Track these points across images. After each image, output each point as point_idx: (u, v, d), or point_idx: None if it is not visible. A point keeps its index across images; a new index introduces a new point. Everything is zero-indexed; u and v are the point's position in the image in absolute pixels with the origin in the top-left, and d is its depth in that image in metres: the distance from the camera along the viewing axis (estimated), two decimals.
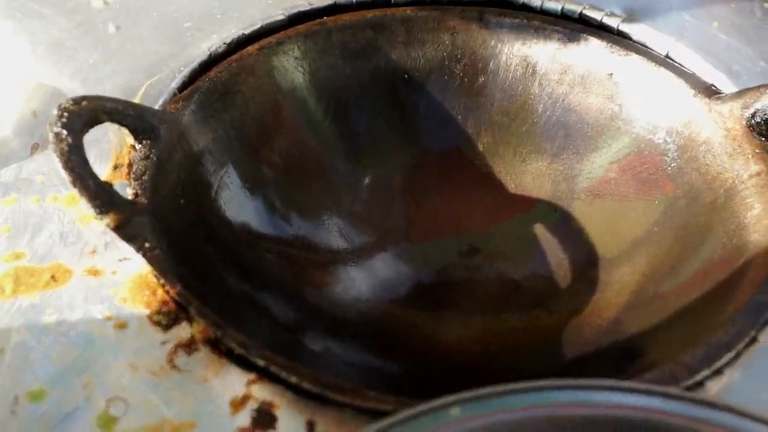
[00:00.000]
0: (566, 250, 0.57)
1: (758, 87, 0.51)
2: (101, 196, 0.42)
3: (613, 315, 0.51)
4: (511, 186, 0.61)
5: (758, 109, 0.51)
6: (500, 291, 0.56)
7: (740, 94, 0.52)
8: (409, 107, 0.61)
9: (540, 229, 0.59)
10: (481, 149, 0.61)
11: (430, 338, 0.52)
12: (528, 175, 0.60)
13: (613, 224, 0.56)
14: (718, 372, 0.40)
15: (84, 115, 0.44)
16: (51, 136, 0.42)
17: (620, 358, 0.47)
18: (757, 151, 0.50)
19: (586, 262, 0.56)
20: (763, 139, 0.51)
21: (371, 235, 0.58)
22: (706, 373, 0.39)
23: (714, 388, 0.39)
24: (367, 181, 0.60)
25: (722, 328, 0.41)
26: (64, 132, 0.42)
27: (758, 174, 0.49)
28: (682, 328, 0.46)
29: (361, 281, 0.55)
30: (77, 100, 0.44)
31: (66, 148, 0.42)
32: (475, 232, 0.59)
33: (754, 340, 0.41)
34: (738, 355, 0.41)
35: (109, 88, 0.53)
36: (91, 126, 0.44)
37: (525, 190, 0.60)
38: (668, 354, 0.43)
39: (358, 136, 0.60)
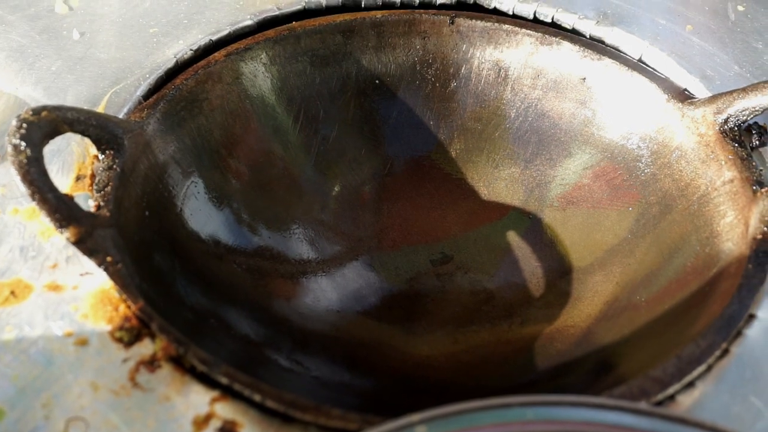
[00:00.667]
0: (539, 258, 0.57)
1: (731, 92, 0.51)
2: (61, 210, 0.41)
3: (585, 326, 0.51)
4: (484, 193, 0.60)
5: (731, 115, 0.50)
6: (472, 301, 0.55)
7: (713, 99, 0.51)
8: (379, 114, 0.60)
9: (513, 237, 0.58)
10: (454, 156, 0.61)
11: (401, 351, 0.51)
12: (501, 182, 0.60)
13: (586, 232, 0.56)
14: (690, 385, 0.39)
15: (44, 126, 0.43)
16: (9, 148, 0.42)
17: (592, 371, 0.46)
18: (730, 157, 0.49)
19: (560, 271, 0.55)
20: (736, 145, 0.50)
21: (342, 245, 0.57)
22: (677, 386, 0.39)
23: (686, 402, 0.39)
24: (337, 189, 0.59)
25: (694, 340, 0.40)
26: (23, 144, 0.41)
27: (731, 181, 0.49)
28: (654, 340, 0.45)
29: (332, 292, 0.54)
30: (37, 111, 0.43)
31: (25, 161, 0.41)
32: (448, 240, 0.58)
33: (726, 352, 0.41)
34: (710, 368, 0.40)
35: (73, 96, 0.52)
36: (52, 137, 0.44)
37: (498, 196, 0.60)
38: (640, 367, 0.42)
39: (328, 144, 0.59)
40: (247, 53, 0.56)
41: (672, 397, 0.39)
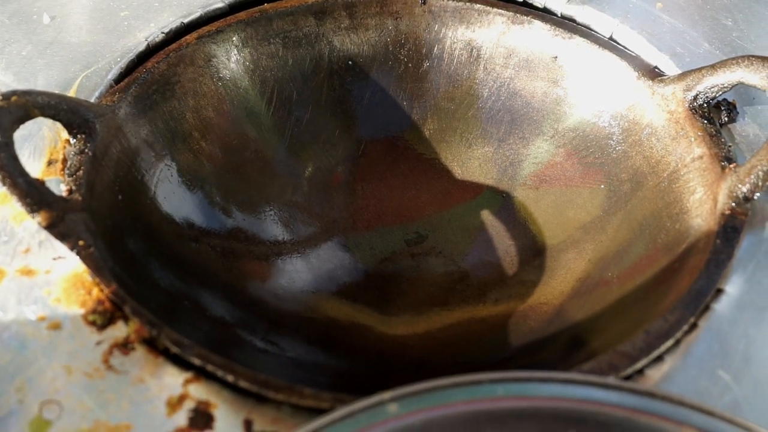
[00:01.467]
0: (513, 236, 0.57)
1: (700, 69, 0.51)
2: (32, 194, 0.41)
3: (558, 303, 0.51)
4: (458, 172, 0.60)
5: (700, 92, 0.51)
6: (446, 281, 0.55)
7: (683, 76, 0.52)
8: (353, 95, 0.60)
9: (487, 216, 0.59)
10: (427, 136, 0.61)
11: (376, 331, 0.52)
12: (474, 161, 0.60)
13: (559, 210, 0.56)
14: (659, 359, 0.40)
15: (14, 111, 0.43)
16: None
17: (565, 347, 0.47)
18: (699, 133, 0.50)
19: (533, 249, 0.56)
20: (705, 121, 0.50)
21: (316, 226, 0.57)
22: (645, 361, 0.39)
23: (655, 376, 0.39)
24: (310, 171, 0.59)
25: (662, 315, 0.41)
26: None
27: (700, 157, 0.49)
28: (625, 315, 0.46)
29: (307, 273, 0.55)
30: (6, 96, 0.43)
31: None
32: (422, 221, 0.59)
33: (694, 326, 0.41)
34: (678, 343, 0.40)
35: (43, 81, 0.52)
36: (22, 122, 0.44)
37: (472, 176, 0.60)
38: (611, 342, 0.42)
39: (302, 125, 0.59)
40: (218, 36, 0.56)
41: (641, 372, 0.39)
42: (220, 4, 0.58)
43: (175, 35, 0.56)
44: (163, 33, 0.56)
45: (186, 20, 0.57)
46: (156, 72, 0.53)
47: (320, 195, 0.59)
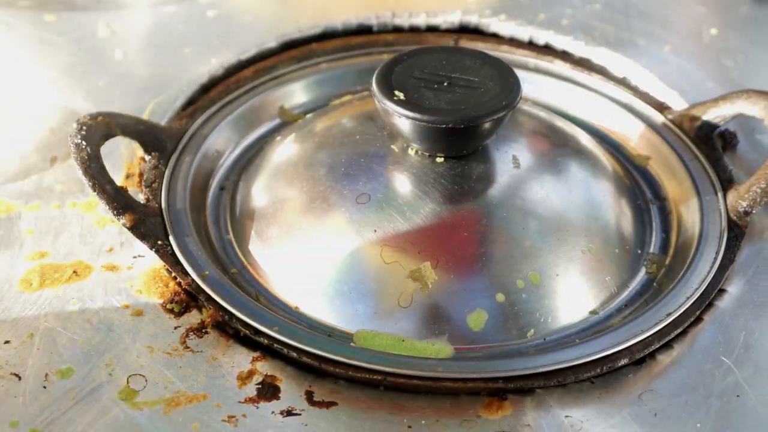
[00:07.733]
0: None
1: (705, 102, 0.57)
2: (118, 199, 0.48)
3: None
4: None
5: (705, 122, 0.56)
6: None
7: (689, 109, 0.58)
8: None
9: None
10: None
11: None
12: None
13: None
14: (669, 346, 0.45)
15: (100, 128, 0.49)
16: (72, 147, 0.48)
17: None
18: (704, 159, 0.55)
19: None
20: (710, 148, 0.56)
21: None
22: (657, 346, 0.45)
23: (665, 360, 0.44)
24: None
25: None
26: (83, 143, 0.48)
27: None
28: None
29: None
30: (93, 116, 0.50)
31: (85, 157, 0.48)
32: None
33: (699, 319, 0.47)
34: (686, 332, 0.46)
35: (119, 107, 0.58)
36: (107, 138, 0.50)
37: None
38: None
39: None
40: (272, 70, 0.62)
41: (653, 356, 0.45)
42: (272, 44, 0.65)
43: (233, 69, 0.63)
44: (223, 67, 0.62)
45: (243, 57, 0.63)
46: (218, 100, 0.59)
47: None
